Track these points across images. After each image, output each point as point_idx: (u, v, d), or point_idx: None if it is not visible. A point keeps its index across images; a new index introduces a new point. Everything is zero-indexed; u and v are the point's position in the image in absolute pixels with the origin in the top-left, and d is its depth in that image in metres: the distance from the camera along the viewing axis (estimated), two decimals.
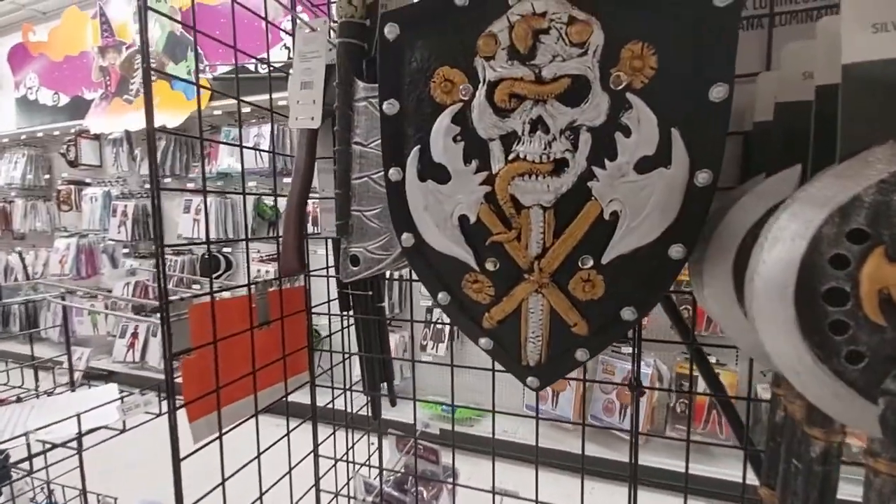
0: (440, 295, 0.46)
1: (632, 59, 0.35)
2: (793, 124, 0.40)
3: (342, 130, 0.50)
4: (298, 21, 0.71)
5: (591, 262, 0.40)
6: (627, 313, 0.41)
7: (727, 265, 0.39)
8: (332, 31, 0.69)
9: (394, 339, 2.46)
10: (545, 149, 0.38)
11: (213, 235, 3.03)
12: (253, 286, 0.70)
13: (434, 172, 0.42)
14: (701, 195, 0.37)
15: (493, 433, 0.72)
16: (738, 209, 0.39)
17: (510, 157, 0.40)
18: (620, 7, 0.35)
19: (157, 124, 0.53)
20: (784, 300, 0.30)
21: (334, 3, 0.81)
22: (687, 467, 0.64)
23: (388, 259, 0.51)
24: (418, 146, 0.42)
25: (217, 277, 3.13)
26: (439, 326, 2.39)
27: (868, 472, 0.35)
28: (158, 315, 0.58)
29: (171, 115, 2.87)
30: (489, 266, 0.43)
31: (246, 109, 2.79)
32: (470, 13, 0.38)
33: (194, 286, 3.23)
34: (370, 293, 0.79)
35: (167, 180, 3.13)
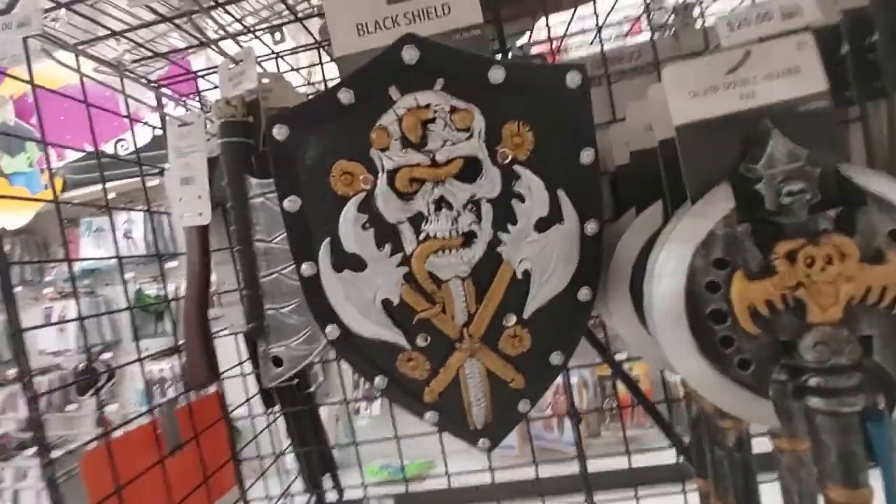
0: (377, 380, 0.45)
1: (512, 136, 0.39)
2: (646, 167, 0.47)
3: (241, 229, 0.48)
4: (169, 117, 0.67)
5: (514, 319, 0.43)
6: (556, 358, 0.44)
7: (625, 295, 0.44)
8: (207, 122, 0.66)
9: (324, 412, 2.30)
10: (452, 224, 0.41)
11: (84, 344, 2.62)
12: (156, 409, 0.62)
13: (349, 262, 0.42)
14: (593, 242, 0.42)
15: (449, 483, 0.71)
16: (622, 246, 0.44)
17: (421, 237, 0.41)
18: (493, 95, 0.39)
19: None
20: (680, 327, 0.35)
21: (204, 93, 0.79)
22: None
23: (313, 353, 0.49)
24: (328, 238, 0.42)
25: (98, 391, 2.69)
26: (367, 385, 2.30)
27: (776, 452, 0.41)
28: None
29: (12, 215, 2.48)
30: (420, 342, 0.43)
31: (111, 195, 2.52)
32: (357, 110, 0.40)
33: (69, 407, 2.74)
34: (296, 381, 0.74)
35: (18, 289, 2.66)
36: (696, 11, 0.73)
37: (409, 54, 0.39)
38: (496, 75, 0.39)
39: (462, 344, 0.43)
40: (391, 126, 0.40)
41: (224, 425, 0.74)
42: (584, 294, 0.42)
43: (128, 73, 0.66)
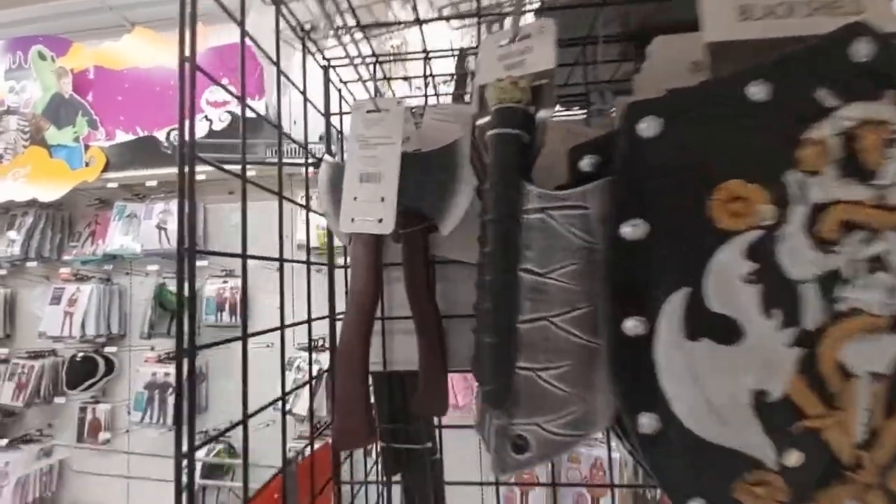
0: (692, 503, 0.30)
1: None
2: None
3: (499, 251, 0.35)
4: (353, 100, 0.56)
5: None
6: None
7: None
8: (411, 113, 0.55)
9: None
10: (889, 297, 0.27)
11: (91, 332, 2.43)
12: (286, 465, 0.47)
13: (711, 328, 0.29)
14: None
15: None
16: None
17: (838, 308, 0.28)
18: None
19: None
20: None
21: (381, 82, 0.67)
22: None
23: (577, 440, 0.34)
24: (685, 288, 0.29)
25: (93, 385, 2.48)
26: None
27: None
28: None
29: (47, 187, 2.36)
30: (790, 460, 0.29)
31: (152, 183, 2.42)
32: (774, 113, 0.28)
33: (57, 399, 2.52)
34: (428, 445, 0.59)
35: (31, 264, 2.50)
36: None
37: (860, 49, 0.27)
38: None
39: (854, 474, 0.29)
40: (830, 141, 0.27)
41: (333, 489, 0.58)
42: None
43: (310, 42, 0.55)
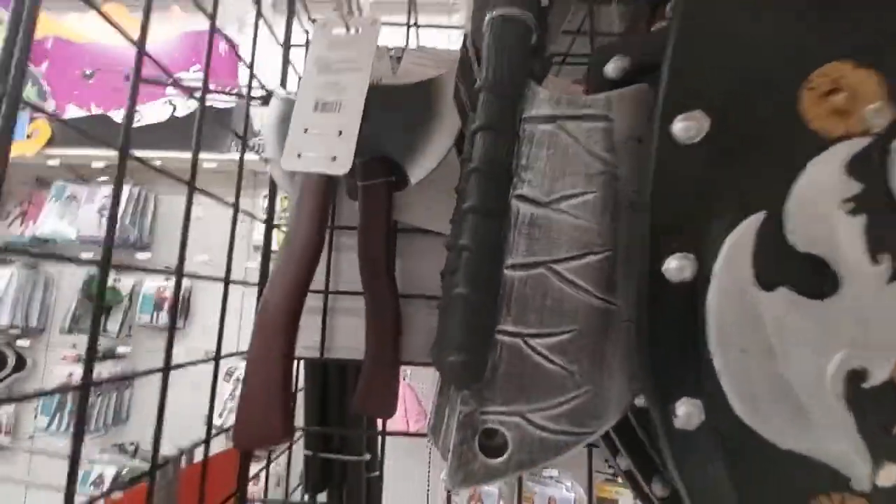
0: None
1: None
2: None
3: (487, 168, 0.25)
4: (317, 19, 0.46)
5: None
6: None
7: None
8: (388, 57, 0.45)
9: None
10: None
11: (4, 322, 2.15)
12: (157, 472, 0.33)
13: (795, 273, 0.20)
14: None
15: None
16: None
17: None
18: None
19: None
20: None
21: None
22: None
23: (574, 442, 0.24)
24: (759, 214, 0.20)
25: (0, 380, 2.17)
26: None
27: None
28: None
29: None
30: (886, 480, 0.20)
31: (99, 164, 2.22)
32: None
33: None
34: (367, 458, 0.47)
35: None
36: None
37: None
38: None
39: None
40: None
41: None
42: None
43: None
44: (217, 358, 0.43)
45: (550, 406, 0.23)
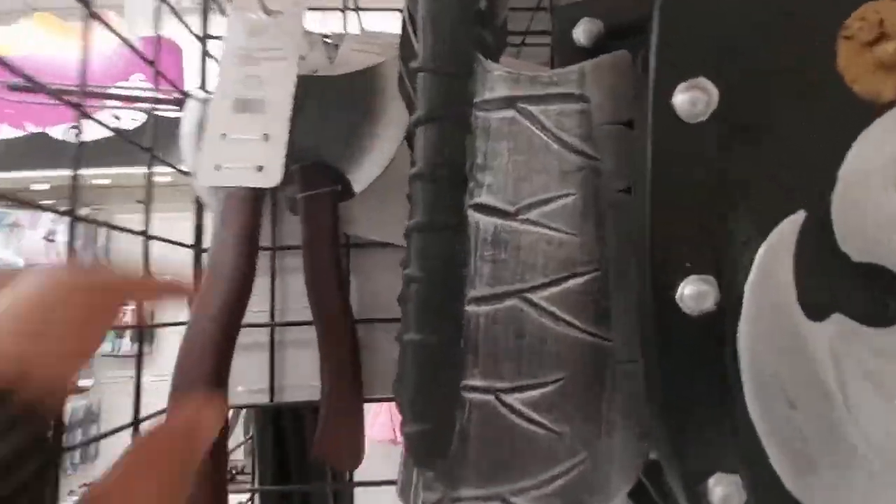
0: None
1: None
2: None
3: (436, 175, 0.19)
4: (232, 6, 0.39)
5: None
6: None
7: None
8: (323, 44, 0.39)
9: None
10: None
11: None
12: None
13: (851, 293, 0.14)
14: None
15: None
16: None
17: None
18: None
19: None
20: None
21: None
22: None
23: None
24: (800, 213, 0.14)
25: None
26: None
27: None
28: None
29: None
30: None
31: (42, 187, 2.07)
32: None
33: None
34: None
35: None
36: None
37: None
38: None
39: None
40: None
41: None
42: None
43: None
44: None
45: (538, 484, 0.18)
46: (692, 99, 0.15)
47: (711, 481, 0.14)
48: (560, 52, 0.22)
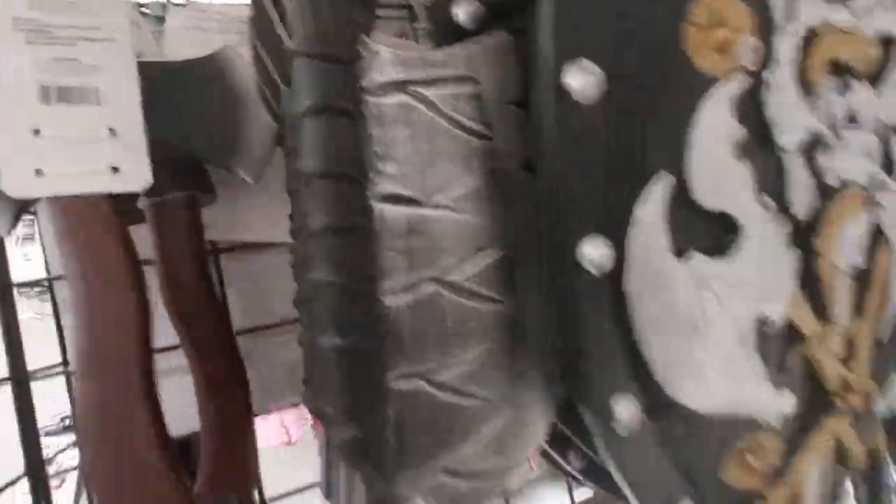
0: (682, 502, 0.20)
1: None
2: None
3: (335, 173, 0.17)
4: None
5: None
6: None
7: None
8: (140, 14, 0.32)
9: None
10: (872, 164, 0.21)
11: None
12: None
13: (703, 234, 0.18)
14: None
15: None
16: None
17: (827, 182, 0.20)
18: None
19: None
20: None
21: None
22: None
23: (497, 481, 0.20)
24: (668, 179, 0.17)
25: None
26: None
27: None
28: None
29: None
30: (785, 405, 0.20)
31: None
32: None
33: None
34: None
35: None
36: None
37: None
38: None
39: (843, 399, 0.22)
40: None
41: None
42: None
43: None
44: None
45: (476, 444, 0.19)
46: (585, 83, 0.16)
47: (613, 401, 0.17)
48: (440, 28, 0.22)
